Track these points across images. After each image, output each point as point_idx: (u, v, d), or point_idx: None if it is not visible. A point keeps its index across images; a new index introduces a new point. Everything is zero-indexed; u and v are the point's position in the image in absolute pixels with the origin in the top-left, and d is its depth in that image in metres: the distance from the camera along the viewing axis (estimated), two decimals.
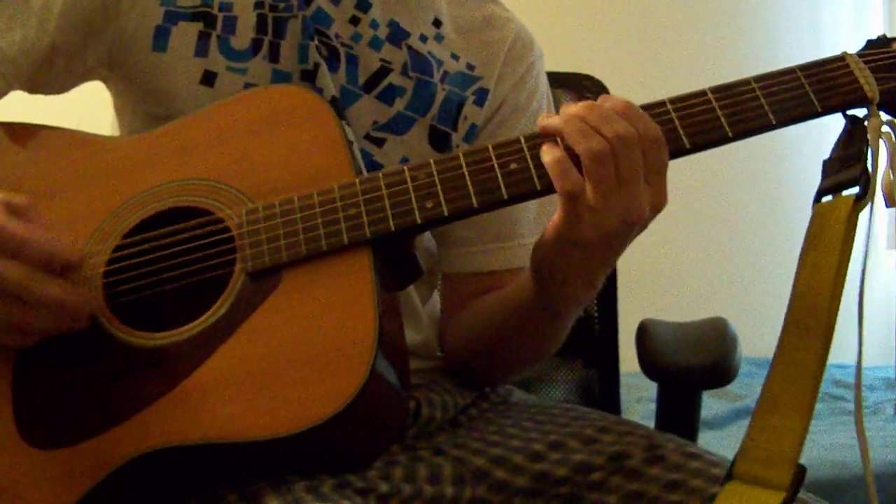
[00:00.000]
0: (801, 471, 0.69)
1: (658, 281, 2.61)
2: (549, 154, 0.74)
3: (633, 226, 0.73)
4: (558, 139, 0.75)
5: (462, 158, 0.76)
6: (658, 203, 0.74)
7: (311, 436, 0.67)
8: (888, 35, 0.83)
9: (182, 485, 0.74)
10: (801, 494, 0.74)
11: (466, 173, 0.76)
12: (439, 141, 0.97)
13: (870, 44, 0.82)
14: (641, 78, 2.16)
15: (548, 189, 0.76)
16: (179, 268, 0.77)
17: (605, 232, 0.73)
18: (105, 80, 0.97)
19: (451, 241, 1.00)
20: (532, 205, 1.00)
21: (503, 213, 0.97)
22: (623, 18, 3.04)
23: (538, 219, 1.00)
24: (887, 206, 0.75)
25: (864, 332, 0.75)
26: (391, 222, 0.75)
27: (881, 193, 0.74)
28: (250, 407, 0.69)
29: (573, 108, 0.74)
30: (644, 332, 1.07)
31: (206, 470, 0.73)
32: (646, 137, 0.73)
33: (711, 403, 2.27)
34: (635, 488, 0.79)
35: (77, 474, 0.70)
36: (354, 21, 0.95)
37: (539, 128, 0.76)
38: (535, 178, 0.75)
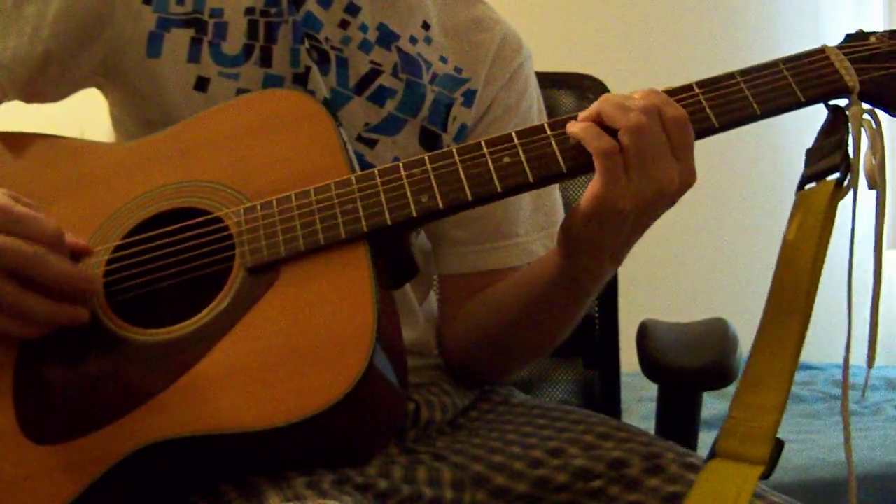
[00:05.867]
0: (779, 444, 0.71)
1: (659, 281, 2.61)
2: (576, 124, 0.77)
3: (664, 197, 0.76)
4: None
5: (456, 154, 0.78)
6: (687, 178, 0.77)
7: (310, 426, 0.68)
8: (882, 29, 0.85)
9: (183, 479, 0.74)
10: (776, 498, 0.76)
11: (460, 168, 0.77)
12: (430, 141, 0.97)
13: (848, 37, 0.84)
14: (642, 77, 2.16)
15: (540, 181, 0.78)
16: (179, 265, 0.78)
17: (640, 202, 0.76)
18: (101, 87, 0.97)
19: (447, 241, 1.01)
20: (527, 205, 1.01)
21: (498, 213, 0.98)
22: (623, 18, 3.04)
23: (533, 218, 1.01)
24: (869, 188, 0.77)
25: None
26: (387, 216, 0.76)
27: (864, 178, 0.77)
28: (250, 398, 0.70)
29: (603, 97, 0.78)
30: (644, 333, 1.07)
31: (206, 463, 0.73)
32: (667, 113, 0.76)
33: (712, 403, 2.26)
34: (634, 499, 0.79)
35: (78, 469, 0.70)
36: (344, 25, 0.96)
37: (580, 119, 0.78)
38: (528, 171, 0.77)
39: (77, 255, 0.77)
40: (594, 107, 0.77)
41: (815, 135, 0.81)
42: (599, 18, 3.03)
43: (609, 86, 1.30)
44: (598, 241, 0.80)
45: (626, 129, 0.75)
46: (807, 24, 3.20)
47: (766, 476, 0.71)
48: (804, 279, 0.74)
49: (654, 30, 3.06)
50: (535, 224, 1.01)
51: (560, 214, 1.03)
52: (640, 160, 0.75)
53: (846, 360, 0.76)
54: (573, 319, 0.93)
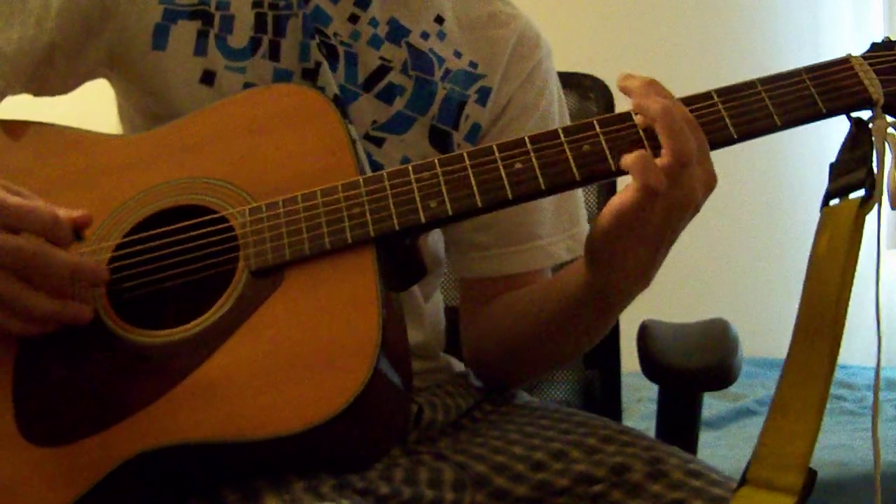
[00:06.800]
0: (812, 475, 0.69)
1: (659, 282, 2.60)
2: (630, 157, 0.73)
3: (689, 207, 0.74)
4: (561, 136, 0.76)
5: (467, 158, 0.77)
6: (709, 182, 0.75)
7: (312, 435, 0.67)
8: (891, 37, 0.83)
9: (182, 484, 0.73)
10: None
11: (471, 173, 0.76)
12: (440, 140, 0.96)
13: (874, 46, 0.82)
14: None
15: (552, 189, 0.76)
16: (182, 266, 0.77)
17: (666, 216, 0.74)
18: (108, 79, 0.97)
19: (467, 245, 0.99)
20: (548, 207, 0.99)
21: (519, 216, 0.97)
22: (624, 18, 3.03)
23: (555, 220, 0.99)
24: (892, 207, 0.75)
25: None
26: (395, 221, 0.75)
27: (887, 195, 0.74)
28: (251, 406, 0.69)
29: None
30: (645, 333, 1.07)
31: (207, 468, 0.73)
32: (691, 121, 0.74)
33: (711, 403, 2.26)
34: None
35: (77, 472, 0.69)
36: (353, 19, 0.95)
37: (636, 106, 0.75)
38: (540, 178, 0.75)
39: (80, 228, 0.75)
40: (655, 109, 0.73)
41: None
42: (600, 18, 3.02)
43: (610, 86, 1.30)
44: (623, 256, 0.77)
45: (674, 153, 0.72)
46: (806, 26, 3.20)
47: None
48: (832, 300, 0.71)
49: (655, 30, 3.05)
50: (557, 226, 0.99)
51: (583, 214, 1.02)
52: (671, 176, 0.72)
53: (877, 368, 0.75)
54: (597, 334, 0.91)
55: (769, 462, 0.70)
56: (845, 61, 0.79)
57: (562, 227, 0.99)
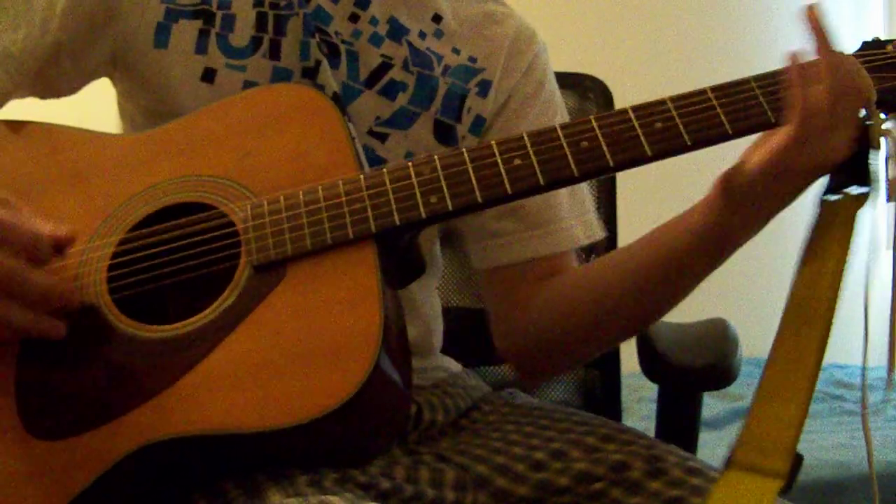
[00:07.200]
0: (798, 459, 0.70)
1: None
2: (792, 70, 0.75)
3: (829, 164, 0.75)
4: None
5: (466, 154, 0.78)
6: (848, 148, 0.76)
7: (313, 428, 0.68)
8: (882, 37, 0.84)
9: (185, 477, 0.74)
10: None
11: (470, 169, 0.77)
12: (444, 134, 0.97)
13: (865, 45, 0.83)
14: (643, 78, 2.16)
15: (551, 184, 0.77)
16: (184, 261, 0.77)
17: (816, 163, 0.75)
18: (111, 78, 0.97)
19: (489, 233, 0.98)
20: (564, 192, 0.98)
21: (539, 202, 0.96)
22: (624, 18, 3.04)
23: (571, 205, 0.99)
24: (888, 200, 0.76)
25: (860, 332, 0.76)
26: (396, 216, 0.75)
27: (884, 189, 0.76)
28: (254, 398, 0.70)
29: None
30: (645, 333, 1.07)
31: (209, 462, 0.73)
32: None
33: (711, 403, 2.27)
34: (635, 502, 0.79)
35: (80, 465, 0.70)
36: (353, 18, 0.96)
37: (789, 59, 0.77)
38: (539, 174, 0.76)
39: (61, 245, 0.75)
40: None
41: None
42: (600, 18, 3.02)
43: (610, 86, 1.30)
44: (764, 197, 0.78)
45: (832, 88, 0.74)
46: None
47: (785, 491, 0.69)
48: (826, 290, 0.73)
49: (655, 30, 3.05)
50: (572, 210, 0.99)
51: (591, 201, 1.02)
52: (833, 124, 0.74)
53: (864, 366, 0.76)
54: (692, 287, 0.89)
55: (755, 446, 0.71)
56: None
57: (576, 212, 0.99)
